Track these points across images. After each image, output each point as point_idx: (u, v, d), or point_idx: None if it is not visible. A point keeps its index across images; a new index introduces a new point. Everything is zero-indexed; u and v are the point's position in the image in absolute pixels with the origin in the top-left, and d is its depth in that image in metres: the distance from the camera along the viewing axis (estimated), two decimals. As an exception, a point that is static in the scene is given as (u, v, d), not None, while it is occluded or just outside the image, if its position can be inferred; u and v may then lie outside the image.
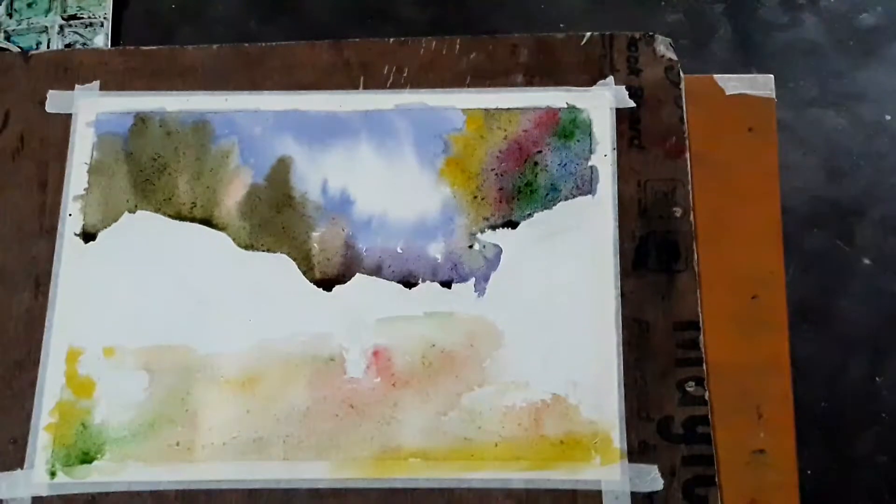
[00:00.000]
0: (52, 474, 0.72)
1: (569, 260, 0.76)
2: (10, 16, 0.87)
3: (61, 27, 0.87)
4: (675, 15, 0.88)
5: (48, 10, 0.88)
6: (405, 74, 0.81)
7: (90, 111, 0.81)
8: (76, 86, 0.82)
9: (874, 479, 0.74)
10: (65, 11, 0.87)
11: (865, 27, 0.87)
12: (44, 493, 0.71)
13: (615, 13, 0.88)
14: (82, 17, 0.87)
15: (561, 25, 0.87)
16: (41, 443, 0.72)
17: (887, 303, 0.78)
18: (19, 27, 0.87)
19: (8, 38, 0.86)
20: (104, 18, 0.87)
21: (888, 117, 0.84)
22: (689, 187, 0.77)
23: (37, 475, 0.72)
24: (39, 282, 0.76)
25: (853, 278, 0.79)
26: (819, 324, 0.77)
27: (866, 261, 0.79)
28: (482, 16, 0.88)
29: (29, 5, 0.88)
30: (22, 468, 0.72)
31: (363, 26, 0.88)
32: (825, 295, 0.79)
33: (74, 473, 0.72)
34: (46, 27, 0.87)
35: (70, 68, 0.82)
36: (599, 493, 0.70)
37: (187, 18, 0.89)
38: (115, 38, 0.87)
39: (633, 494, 0.70)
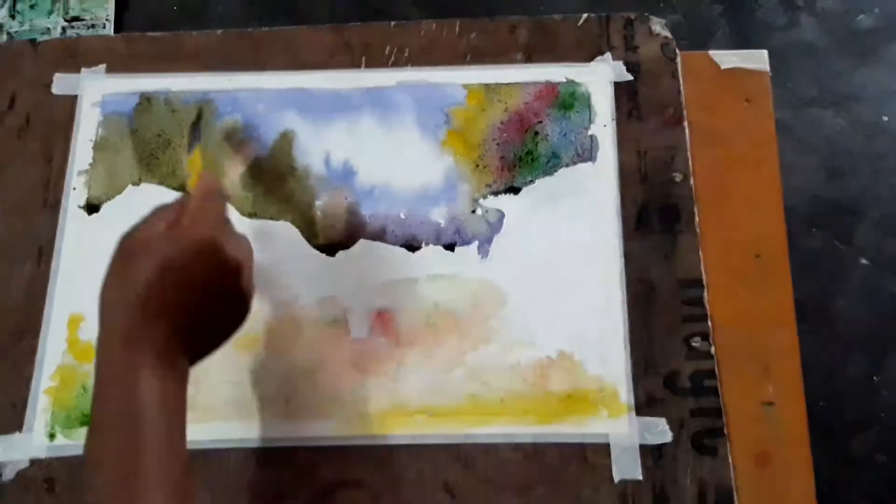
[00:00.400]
0: (52, 436, 0.71)
1: (572, 222, 0.76)
2: (12, 17, 0.89)
3: (63, 29, 0.88)
4: (675, 15, 0.89)
5: (50, 12, 0.89)
6: (406, 55, 0.83)
7: (96, 92, 0.82)
8: (82, 68, 0.83)
9: (874, 479, 0.74)
10: (67, 13, 0.89)
11: (863, 28, 0.88)
12: (42, 454, 0.71)
13: (614, 12, 0.89)
14: (84, 19, 0.89)
15: (560, 26, 0.89)
16: (41, 406, 0.72)
17: (886, 302, 0.78)
18: (22, 28, 0.88)
19: (10, 40, 0.87)
20: (106, 20, 0.88)
21: (886, 118, 0.84)
22: (688, 154, 0.78)
23: (35, 438, 0.71)
24: (42, 252, 0.76)
25: (852, 278, 0.79)
26: (818, 323, 0.77)
27: (865, 261, 0.79)
28: (482, 16, 0.90)
29: (31, 7, 0.89)
30: (21, 432, 0.71)
31: (363, 26, 0.90)
32: (824, 295, 0.78)
33: (74, 435, 0.71)
34: (49, 28, 0.88)
35: (76, 54, 0.84)
36: (607, 445, 0.69)
37: (188, 19, 0.91)
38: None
39: (642, 447, 0.69)
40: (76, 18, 0.89)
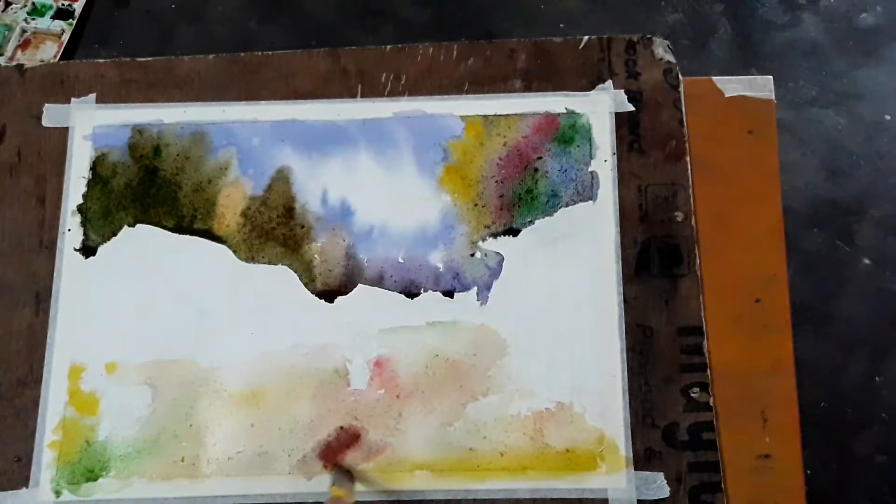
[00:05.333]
0: (58, 493, 0.72)
1: (571, 266, 0.76)
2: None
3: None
4: (675, 15, 0.87)
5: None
6: (403, 82, 0.81)
7: (87, 124, 0.80)
8: (72, 99, 0.81)
9: (874, 479, 0.75)
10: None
11: (865, 27, 0.87)
12: (49, 511, 0.72)
13: (615, 13, 0.88)
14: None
15: (561, 25, 0.87)
16: (45, 461, 0.72)
17: (887, 303, 0.79)
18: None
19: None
20: None
21: (888, 117, 0.84)
22: (690, 191, 0.77)
23: (42, 494, 0.72)
24: (40, 297, 0.76)
25: (853, 278, 0.79)
26: (819, 324, 0.78)
27: (866, 261, 0.79)
28: (482, 16, 0.88)
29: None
30: (27, 487, 0.72)
31: (363, 26, 0.88)
32: (825, 295, 0.79)
33: (80, 491, 0.72)
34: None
35: (65, 81, 0.82)
36: (606, 501, 0.70)
37: (187, 18, 0.89)
38: (114, 38, 0.87)
39: (640, 502, 0.70)
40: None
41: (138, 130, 0.80)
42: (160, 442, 0.73)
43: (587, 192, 0.77)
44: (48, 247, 0.77)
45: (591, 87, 0.80)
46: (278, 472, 0.72)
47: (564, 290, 0.75)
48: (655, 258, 0.76)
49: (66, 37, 0.88)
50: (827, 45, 0.86)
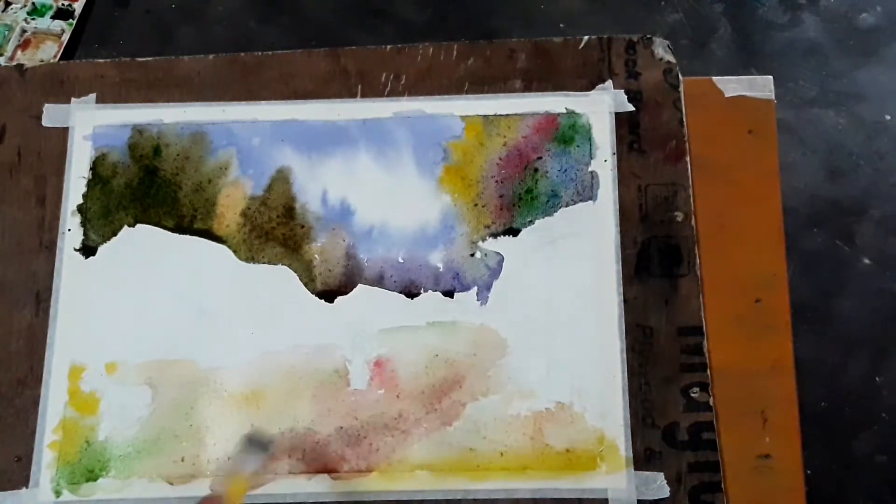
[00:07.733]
0: (58, 493, 0.72)
1: (571, 266, 0.76)
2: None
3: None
4: (675, 15, 0.87)
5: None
6: (403, 82, 0.81)
7: (87, 124, 0.80)
8: (72, 99, 0.81)
9: (874, 479, 0.74)
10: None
11: (865, 27, 0.87)
12: (48, 511, 0.72)
13: (615, 13, 0.87)
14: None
15: (561, 25, 0.87)
16: (45, 461, 0.72)
17: (887, 303, 0.78)
18: None
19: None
20: None
21: (888, 117, 0.83)
22: (690, 191, 0.77)
23: (42, 494, 0.72)
24: (40, 298, 0.76)
25: (853, 278, 0.79)
26: (819, 324, 0.77)
27: (866, 261, 0.79)
28: (482, 16, 0.88)
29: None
30: (27, 487, 0.72)
31: (363, 26, 0.88)
32: (825, 295, 0.78)
33: (80, 491, 0.72)
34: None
35: (66, 81, 0.82)
36: (606, 501, 0.70)
37: (187, 18, 0.89)
38: (114, 38, 0.87)
39: (640, 502, 0.70)
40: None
41: (138, 130, 0.80)
42: (160, 442, 0.73)
43: (587, 192, 0.77)
44: (48, 247, 0.77)
45: (591, 87, 0.80)
46: (278, 472, 0.72)
47: (564, 290, 0.75)
48: (655, 258, 0.76)
49: (66, 37, 0.87)
50: (827, 45, 0.86)
